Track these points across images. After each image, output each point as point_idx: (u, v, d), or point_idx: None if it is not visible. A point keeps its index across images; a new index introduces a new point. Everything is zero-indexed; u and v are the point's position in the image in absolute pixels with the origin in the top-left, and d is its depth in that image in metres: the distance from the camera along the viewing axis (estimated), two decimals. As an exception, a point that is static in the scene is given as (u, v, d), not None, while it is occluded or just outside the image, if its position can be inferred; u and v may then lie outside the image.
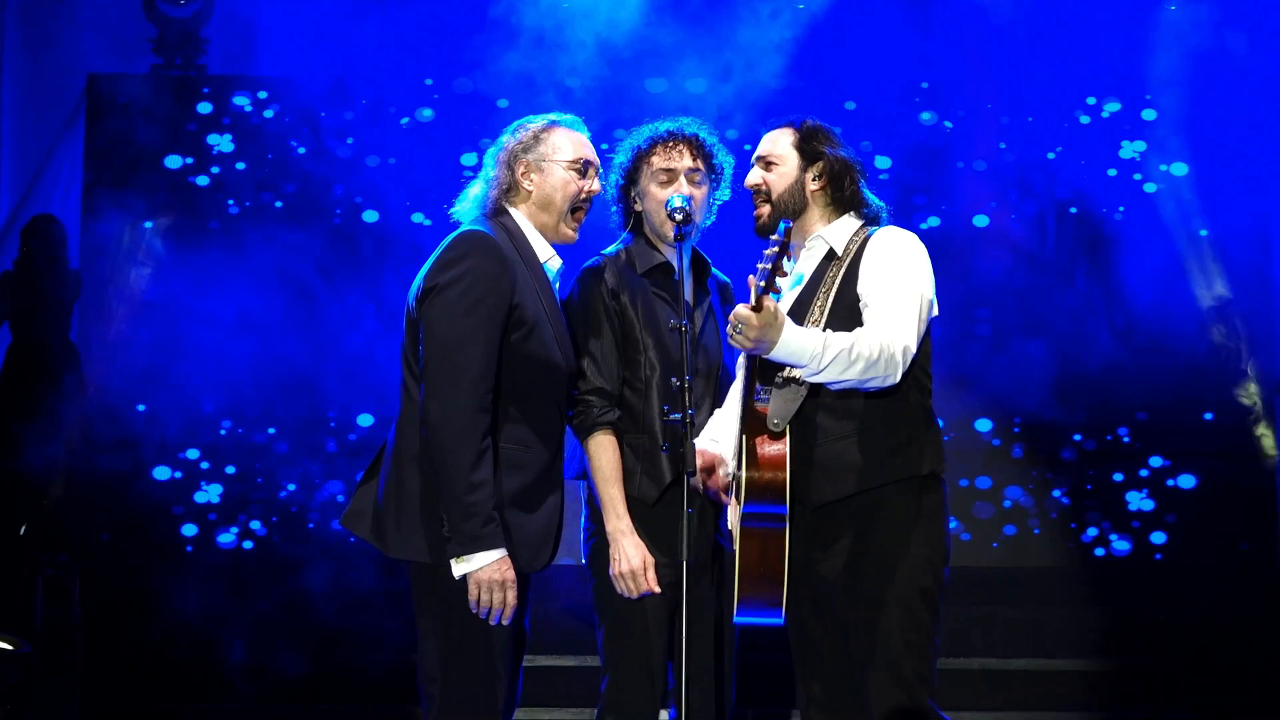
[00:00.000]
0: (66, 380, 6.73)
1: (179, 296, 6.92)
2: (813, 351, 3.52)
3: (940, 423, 3.80)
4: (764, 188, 3.85)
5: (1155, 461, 7.00)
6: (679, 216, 3.88)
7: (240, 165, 7.12)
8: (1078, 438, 7.06)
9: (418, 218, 7.06)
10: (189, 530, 6.99)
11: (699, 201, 3.99)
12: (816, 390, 3.66)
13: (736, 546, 3.66)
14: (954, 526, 6.91)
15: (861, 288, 3.69)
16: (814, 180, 3.82)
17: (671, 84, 6.96)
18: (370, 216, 7.12)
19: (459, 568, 3.60)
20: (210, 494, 7.02)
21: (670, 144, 4.02)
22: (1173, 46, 6.81)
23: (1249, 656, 6.49)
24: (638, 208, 4.08)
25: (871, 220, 3.84)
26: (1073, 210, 7.10)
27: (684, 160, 4.00)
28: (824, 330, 3.61)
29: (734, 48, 6.64)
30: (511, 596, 3.63)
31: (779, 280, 3.71)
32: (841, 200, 3.83)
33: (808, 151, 3.82)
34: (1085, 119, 7.11)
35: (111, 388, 6.83)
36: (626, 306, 3.99)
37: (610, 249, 4.12)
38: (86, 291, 7.00)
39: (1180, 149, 7.02)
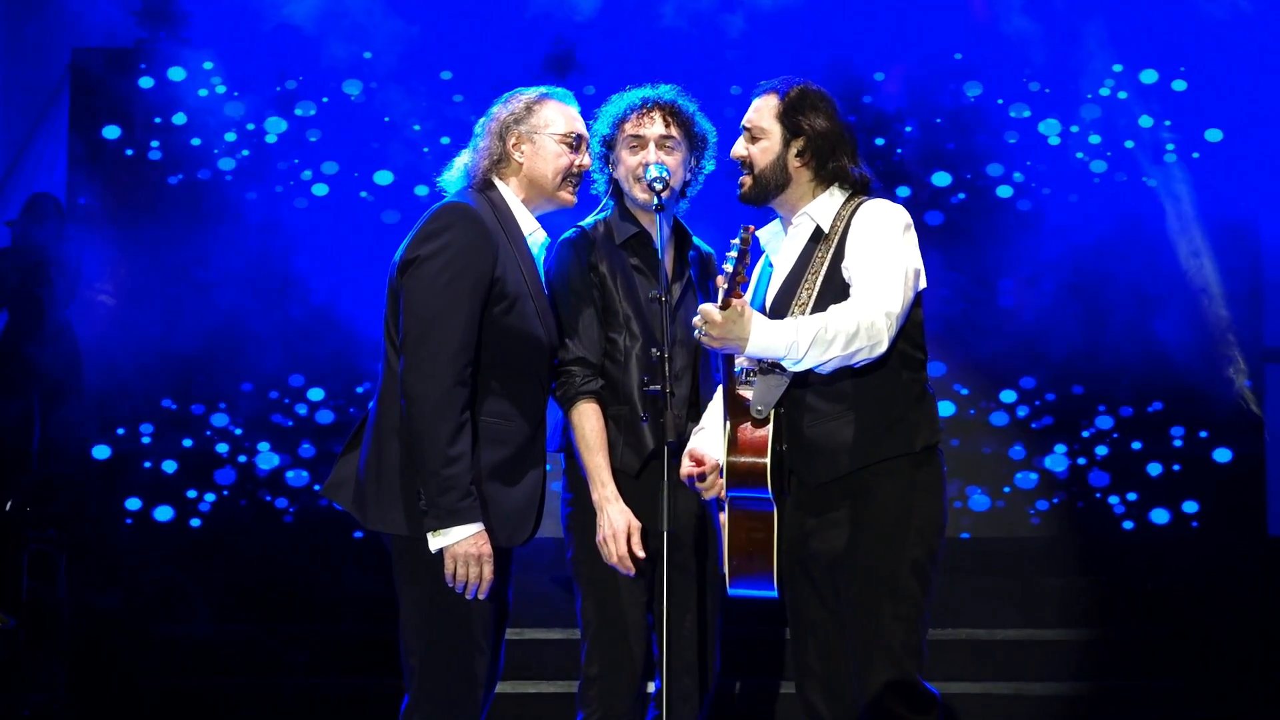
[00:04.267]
0: (60, 358, 6.73)
1: (128, 270, 6.93)
2: (787, 342, 3.48)
3: (932, 391, 3.77)
4: (748, 159, 3.79)
5: (1178, 430, 7.01)
6: (659, 186, 3.86)
7: (195, 141, 7.09)
8: (1102, 408, 7.05)
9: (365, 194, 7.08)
10: (134, 503, 6.97)
11: (673, 169, 3.95)
12: (804, 372, 3.62)
13: (725, 525, 3.66)
14: (984, 498, 6.95)
15: (847, 263, 3.65)
16: (797, 155, 3.75)
17: (690, 57, 6.83)
18: (320, 190, 7.11)
19: (435, 541, 3.58)
20: (166, 468, 7.00)
21: (644, 110, 3.99)
22: (1204, 17, 6.80)
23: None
24: (615, 175, 4.06)
25: (859, 193, 3.76)
26: (1096, 181, 7.07)
27: (655, 127, 3.97)
28: (812, 314, 3.57)
29: (760, 17, 6.59)
30: (488, 571, 3.61)
31: (774, 260, 3.68)
32: (826, 174, 3.76)
33: (791, 124, 3.74)
34: (1106, 90, 7.05)
35: (78, 363, 6.84)
36: (605, 278, 3.98)
37: (588, 220, 4.11)
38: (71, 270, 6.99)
39: (1208, 119, 6.99)
